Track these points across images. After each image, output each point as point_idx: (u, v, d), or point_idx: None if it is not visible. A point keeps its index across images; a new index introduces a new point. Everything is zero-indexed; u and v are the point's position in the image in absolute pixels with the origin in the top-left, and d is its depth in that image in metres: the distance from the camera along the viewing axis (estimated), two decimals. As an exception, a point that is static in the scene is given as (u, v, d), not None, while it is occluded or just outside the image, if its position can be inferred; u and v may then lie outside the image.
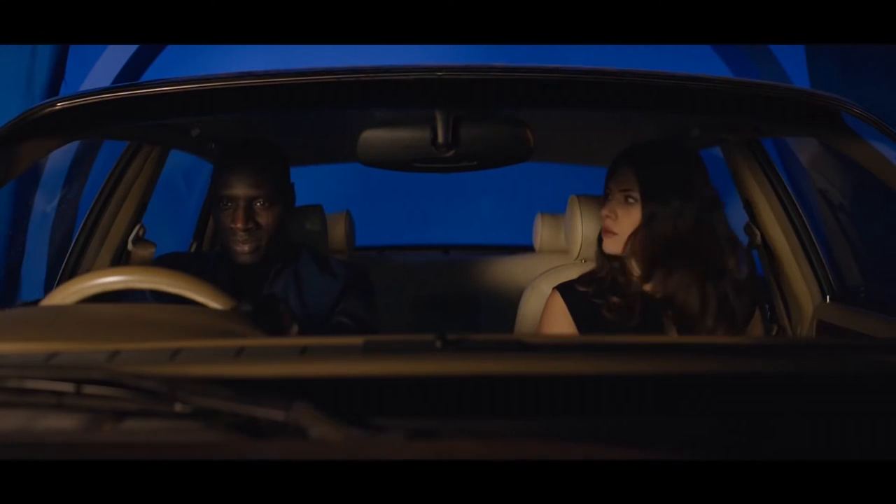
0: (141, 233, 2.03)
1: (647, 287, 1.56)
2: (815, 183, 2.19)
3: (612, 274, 1.57)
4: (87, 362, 0.76)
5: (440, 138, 1.26)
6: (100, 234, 1.95)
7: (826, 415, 0.68)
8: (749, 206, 1.98)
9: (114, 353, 0.77)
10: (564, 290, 1.59)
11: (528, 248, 2.47)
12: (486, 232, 3.56)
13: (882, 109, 1.38)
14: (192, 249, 2.51)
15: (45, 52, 2.73)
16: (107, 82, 3.39)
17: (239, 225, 1.53)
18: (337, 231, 2.44)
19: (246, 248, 1.55)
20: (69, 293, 1.07)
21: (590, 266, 1.68)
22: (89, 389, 0.66)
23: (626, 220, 1.53)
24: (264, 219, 1.56)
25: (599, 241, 1.62)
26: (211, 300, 1.06)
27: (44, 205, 2.42)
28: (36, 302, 1.14)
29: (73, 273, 1.89)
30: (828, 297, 1.83)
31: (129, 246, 2.00)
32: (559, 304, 1.58)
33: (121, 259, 1.99)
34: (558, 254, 2.20)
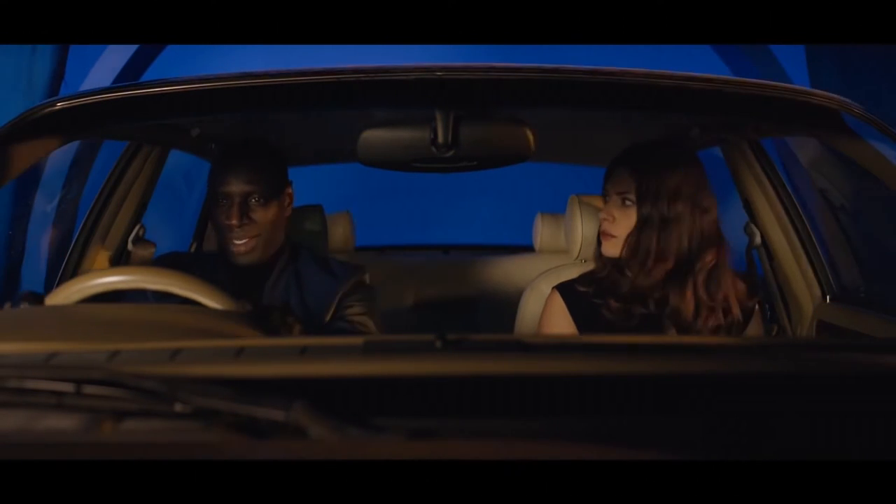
0: (141, 233, 2.03)
1: (646, 288, 1.56)
2: (815, 183, 2.19)
3: (611, 274, 1.57)
4: (87, 362, 0.76)
5: (440, 138, 1.26)
6: (100, 234, 1.95)
7: (826, 415, 0.68)
8: (749, 206, 1.98)
9: (114, 353, 0.77)
10: (564, 289, 1.60)
11: (528, 248, 2.47)
12: (486, 232, 3.56)
13: (882, 109, 1.38)
14: (192, 249, 2.51)
15: (45, 52, 2.73)
16: (107, 82, 3.39)
17: (234, 221, 1.53)
18: (337, 231, 2.44)
19: (241, 245, 1.55)
20: (69, 293, 1.07)
21: (590, 266, 1.68)
22: (89, 389, 0.66)
23: (624, 222, 1.53)
24: (259, 215, 1.56)
25: (599, 242, 1.62)
26: (211, 300, 1.06)
27: (44, 205, 2.42)
28: (39, 296, 1.14)
29: (73, 273, 1.89)
30: (828, 297, 1.83)
31: (129, 246, 2.00)
32: (559, 303, 1.58)
33: (121, 259, 1.99)
34: (558, 254, 2.20)
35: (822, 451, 0.63)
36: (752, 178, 1.94)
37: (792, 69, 3.48)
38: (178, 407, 0.65)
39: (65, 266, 1.92)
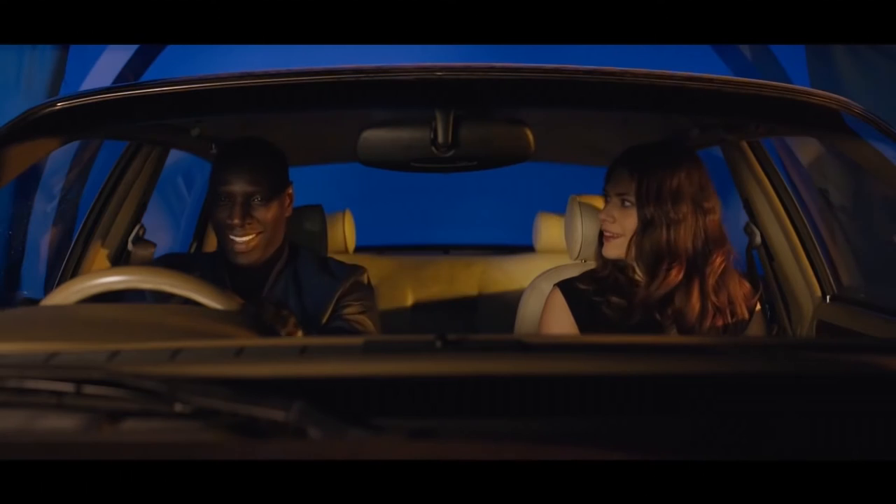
0: (141, 233, 2.03)
1: (647, 288, 1.56)
2: (815, 183, 2.19)
3: (612, 274, 1.57)
4: (87, 362, 0.76)
5: (440, 138, 1.26)
6: (100, 234, 1.95)
7: (826, 415, 0.68)
8: (749, 206, 1.98)
9: (114, 353, 0.77)
10: (565, 287, 1.60)
11: (528, 248, 2.47)
12: (486, 232, 3.55)
13: (882, 109, 1.38)
14: (192, 249, 2.51)
15: (45, 52, 2.73)
16: (107, 82, 3.39)
17: (236, 221, 1.53)
18: (337, 231, 2.44)
19: (242, 244, 1.55)
20: (69, 293, 1.07)
21: (590, 266, 1.68)
22: (89, 389, 0.66)
23: (624, 223, 1.53)
24: (261, 214, 1.56)
25: (600, 242, 1.62)
26: (211, 301, 1.06)
27: (44, 205, 2.42)
28: (36, 301, 1.14)
29: (73, 273, 1.89)
30: (828, 297, 1.83)
31: (129, 246, 2.00)
32: (560, 300, 1.58)
33: (121, 259, 1.99)
34: (558, 254, 2.20)
35: (822, 451, 0.63)
36: (752, 178, 1.94)
37: (792, 69, 3.48)
38: (178, 407, 0.65)
39: (65, 266, 1.92)
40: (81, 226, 1.98)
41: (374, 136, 1.33)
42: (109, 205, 1.96)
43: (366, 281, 1.72)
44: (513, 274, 2.51)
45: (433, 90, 1.24)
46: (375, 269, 1.97)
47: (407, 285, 2.61)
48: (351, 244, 2.54)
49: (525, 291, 1.87)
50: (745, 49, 3.66)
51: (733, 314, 1.52)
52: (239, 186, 1.54)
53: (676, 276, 1.48)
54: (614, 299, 1.53)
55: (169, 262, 1.73)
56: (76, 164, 2.29)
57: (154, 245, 2.04)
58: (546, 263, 2.00)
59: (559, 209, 2.11)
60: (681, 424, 0.67)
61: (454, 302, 2.60)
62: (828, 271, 1.86)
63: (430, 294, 2.62)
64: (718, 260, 1.50)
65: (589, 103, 1.46)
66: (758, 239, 1.97)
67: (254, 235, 1.56)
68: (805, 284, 1.88)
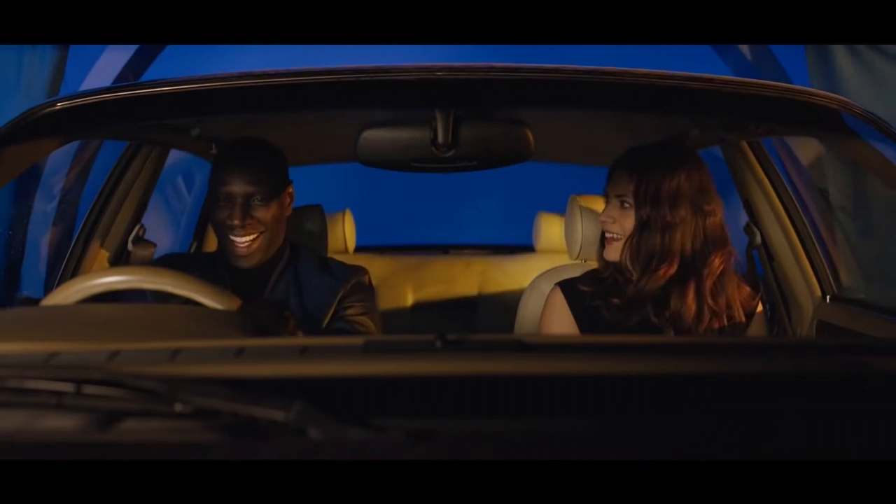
0: (141, 233, 2.03)
1: (648, 292, 1.56)
2: (815, 183, 2.19)
3: (613, 275, 1.57)
4: (87, 362, 0.76)
5: (440, 138, 1.26)
6: (100, 234, 1.95)
7: (826, 415, 0.68)
8: (749, 206, 1.98)
9: (114, 353, 0.77)
10: (566, 287, 1.60)
11: (528, 248, 2.47)
12: (486, 232, 3.55)
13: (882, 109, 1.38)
14: (192, 250, 2.51)
15: (45, 52, 2.72)
16: (107, 82, 3.38)
17: (236, 221, 1.53)
18: (337, 231, 2.44)
19: (243, 245, 1.55)
20: (69, 293, 1.07)
21: (590, 266, 1.68)
22: (89, 389, 0.66)
23: (624, 224, 1.53)
24: (261, 214, 1.56)
25: (602, 244, 1.62)
26: (211, 301, 1.06)
27: (44, 205, 2.42)
28: (36, 301, 1.14)
29: (73, 273, 1.89)
30: (828, 297, 1.83)
31: (129, 246, 2.00)
32: (560, 300, 1.58)
33: (121, 259, 1.99)
34: (558, 254, 2.20)
35: (822, 451, 0.63)
36: (752, 178, 1.94)
37: (792, 69, 3.48)
38: (178, 407, 0.65)
39: (65, 266, 1.92)
40: (81, 226, 1.98)
41: (374, 136, 1.33)
42: (109, 205, 1.96)
43: (367, 282, 1.72)
44: (513, 274, 2.51)
45: (433, 90, 1.24)
46: (375, 269, 1.97)
47: (407, 285, 2.61)
48: (351, 244, 2.54)
49: (525, 291, 1.87)
50: (745, 49, 3.66)
51: (730, 318, 1.52)
52: (239, 187, 1.54)
53: (666, 273, 1.48)
54: (614, 301, 1.53)
55: (169, 263, 1.73)
56: (76, 164, 2.29)
57: (154, 245, 2.04)
58: (546, 263, 2.01)
59: (559, 209, 2.11)
60: (681, 424, 0.67)
61: (454, 302, 2.60)
62: (828, 271, 1.86)
63: (430, 294, 2.61)
64: (717, 262, 1.50)
65: (589, 103, 1.46)
66: (758, 239, 1.97)
67: (254, 236, 1.56)
68: (805, 284, 1.88)
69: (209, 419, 0.64)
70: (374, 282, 1.75)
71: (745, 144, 1.92)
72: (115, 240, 1.98)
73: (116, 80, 3.51)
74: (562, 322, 1.58)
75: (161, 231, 2.27)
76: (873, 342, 1.35)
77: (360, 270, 1.72)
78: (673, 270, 1.48)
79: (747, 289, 1.59)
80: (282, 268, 1.65)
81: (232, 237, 1.55)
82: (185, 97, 1.25)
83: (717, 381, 0.73)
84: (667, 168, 1.52)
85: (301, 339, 0.80)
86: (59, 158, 2.25)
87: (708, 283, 1.50)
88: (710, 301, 1.50)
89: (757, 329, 1.60)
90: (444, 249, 3.05)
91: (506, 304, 2.39)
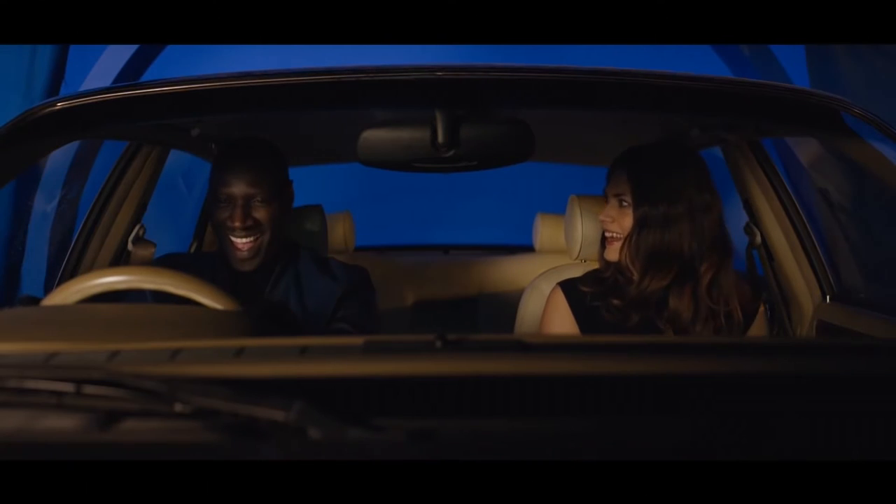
0: (141, 233, 2.03)
1: (647, 291, 1.56)
2: (815, 183, 2.19)
3: (614, 275, 1.57)
4: (87, 362, 0.76)
5: (440, 138, 1.26)
6: (100, 234, 1.95)
7: (826, 415, 0.68)
8: (749, 206, 1.98)
9: (114, 353, 0.77)
10: (567, 287, 1.60)
11: (528, 248, 2.47)
12: (486, 232, 3.55)
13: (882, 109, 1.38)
14: (192, 249, 2.51)
15: (45, 52, 2.73)
16: (107, 82, 3.39)
17: (237, 223, 1.53)
18: (337, 231, 2.44)
19: (244, 247, 1.55)
20: (70, 293, 1.07)
21: (590, 266, 1.68)
22: (89, 389, 0.66)
23: (623, 223, 1.53)
24: (262, 215, 1.56)
25: (602, 245, 1.62)
26: (212, 301, 1.06)
27: (44, 205, 2.42)
28: (36, 301, 1.14)
29: (73, 273, 1.89)
30: (828, 297, 1.83)
31: (129, 246, 2.00)
32: (561, 300, 1.58)
33: (121, 259, 1.99)
34: (558, 254, 2.20)
35: (822, 451, 0.63)
36: (752, 178, 1.94)
37: (792, 69, 3.48)
38: (178, 407, 0.65)
39: (65, 266, 1.92)
40: (81, 226, 1.98)
41: (374, 136, 1.32)
42: (109, 205, 1.96)
43: (367, 282, 1.72)
44: (513, 274, 2.51)
45: (433, 90, 1.24)
46: (375, 269, 1.97)
47: (407, 285, 2.61)
48: (351, 244, 2.54)
49: (525, 291, 1.87)
50: (745, 49, 3.66)
51: (730, 317, 1.52)
52: (239, 188, 1.54)
53: (667, 274, 1.48)
54: (614, 302, 1.53)
55: (169, 262, 1.73)
56: (76, 164, 2.29)
57: (154, 245, 2.04)
58: (546, 263, 2.00)
59: (559, 209, 2.11)
60: (681, 424, 0.67)
61: (454, 302, 2.60)
62: (828, 271, 1.86)
63: (430, 294, 2.61)
64: (712, 259, 1.50)
65: (589, 103, 1.46)
66: (758, 239, 1.97)
67: (255, 237, 1.56)
68: (805, 284, 1.88)
69: (209, 419, 0.64)
70: (374, 282, 1.75)
71: (745, 144, 1.92)
72: (115, 240, 1.98)
73: (116, 80, 3.52)
74: (562, 322, 1.58)
75: (161, 231, 2.26)
76: (873, 342, 1.35)
77: (361, 270, 1.72)
78: (673, 270, 1.48)
79: (748, 288, 1.59)
80: (282, 268, 1.65)
81: (232, 238, 1.55)
82: (185, 97, 1.25)
83: (717, 381, 0.73)
84: (664, 167, 1.53)
85: (301, 339, 0.80)
86: (59, 158, 2.25)
87: (706, 282, 1.50)
88: (707, 300, 1.50)
89: (758, 329, 1.60)
90: (445, 249, 3.05)
91: (506, 304, 2.39)
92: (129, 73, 3.57)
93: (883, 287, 1.92)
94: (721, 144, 1.99)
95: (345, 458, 0.60)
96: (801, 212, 1.91)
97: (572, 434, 0.65)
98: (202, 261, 1.74)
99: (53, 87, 2.75)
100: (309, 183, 2.08)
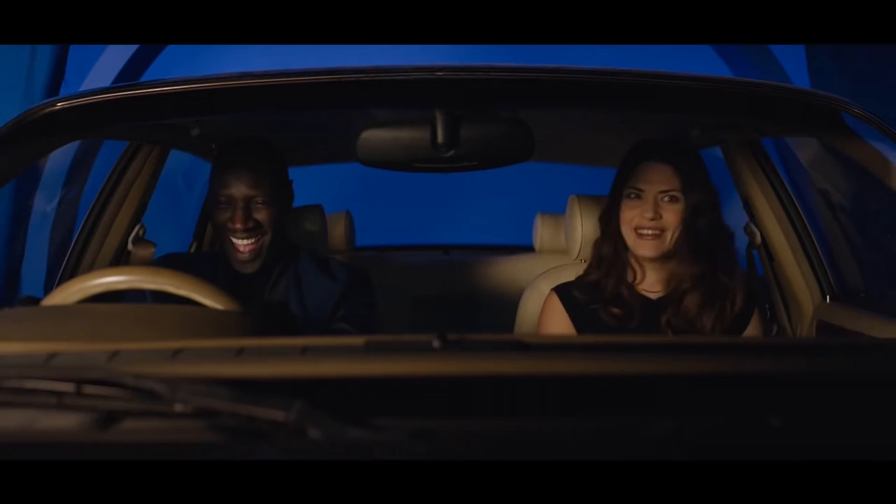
0: (141, 233, 2.03)
1: (647, 288, 1.57)
2: (815, 183, 2.19)
3: (609, 277, 1.57)
4: (87, 362, 0.76)
5: (440, 138, 1.26)
6: (100, 234, 1.95)
7: (826, 415, 0.68)
8: (749, 206, 1.98)
9: (114, 353, 0.77)
10: (561, 291, 1.59)
11: (528, 248, 2.47)
12: (486, 232, 3.55)
13: (882, 109, 1.38)
14: (192, 249, 2.51)
15: (45, 52, 2.73)
16: (107, 82, 3.39)
17: (238, 225, 1.53)
18: (337, 231, 2.44)
19: (246, 250, 1.55)
20: (69, 293, 1.07)
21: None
22: (89, 389, 0.66)
23: (669, 219, 1.51)
24: (262, 216, 1.56)
25: (599, 242, 1.61)
26: (212, 301, 1.06)
27: (44, 205, 2.42)
28: (36, 301, 1.14)
29: (73, 273, 1.89)
30: (828, 297, 1.83)
31: (129, 246, 2.00)
32: (557, 305, 1.58)
33: (121, 259, 1.99)
34: (558, 254, 2.20)
35: (823, 450, 0.63)
36: (752, 178, 1.94)
37: (792, 69, 3.48)
38: (178, 407, 0.65)
39: (65, 266, 1.92)
40: (81, 226, 1.98)
41: (374, 136, 1.32)
42: (109, 205, 1.96)
43: (367, 282, 1.71)
44: (513, 274, 2.51)
45: (433, 90, 1.24)
46: (375, 268, 1.97)
47: (407, 285, 2.61)
48: (351, 244, 2.54)
49: (525, 291, 1.87)
50: (745, 49, 3.67)
51: (731, 317, 1.53)
52: (239, 190, 1.54)
53: (700, 264, 1.52)
54: (613, 306, 1.53)
55: (169, 262, 1.73)
56: (76, 164, 2.29)
57: (154, 245, 2.04)
58: (546, 263, 2.00)
59: (559, 209, 2.11)
60: (681, 424, 0.67)
61: (454, 302, 2.60)
62: (828, 271, 1.86)
63: (430, 294, 2.61)
64: (717, 255, 1.53)
65: (589, 103, 1.46)
66: (758, 239, 1.97)
67: (256, 238, 1.56)
68: (805, 284, 1.88)
69: (209, 419, 0.64)
70: (374, 282, 1.75)
71: (745, 144, 1.92)
72: (115, 240, 1.98)
73: (116, 80, 3.52)
74: (560, 327, 1.58)
75: (161, 231, 2.26)
76: (873, 342, 1.35)
77: (361, 270, 1.72)
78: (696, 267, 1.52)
79: (749, 289, 1.60)
80: (282, 268, 1.64)
81: (233, 240, 1.55)
82: (185, 97, 1.25)
83: (717, 381, 0.73)
84: (694, 157, 1.57)
85: (301, 339, 0.80)
86: (59, 158, 2.25)
87: (712, 279, 1.52)
88: (711, 296, 1.51)
89: (755, 328, 1.60)
90: (445, 249, 3.05)
91: (506, 304, 2.39)
92: (129, 73, 3.57)
93: (883, 287, 1.92)
94: (721, 144, 1.99)
95: (345, 458, 0.60)
96: (801, 212, 1.91)
97: (572, 434, 0.65)
98: (202, 261, 1.74)
99: (53, 87, 2.75)
100: (309, 183, 2.08)
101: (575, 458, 0.59)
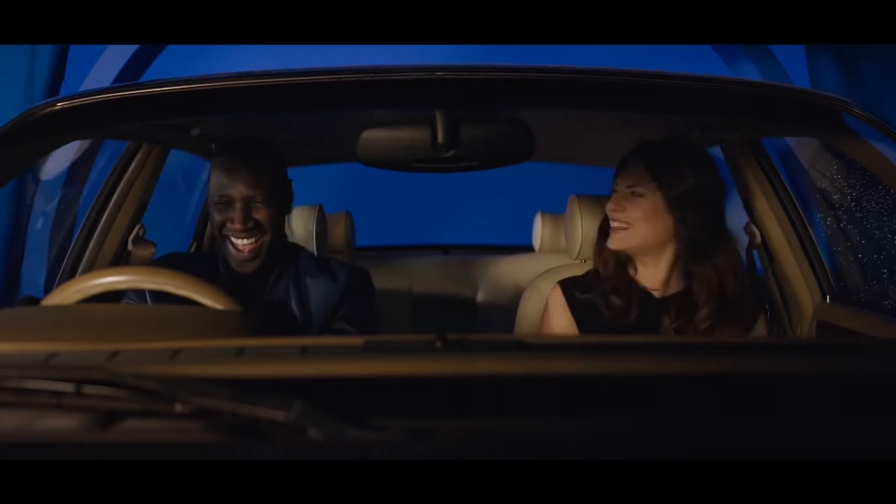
0: (141, 233, 2.03)
1: (648, 286, 1.57)
2: (815, 183, 2.19)
3: (611, 272, 1.57)
4: (87, 362, 0.76)
5: (440, 138, 1.26)
6: (100, 234, 1.95)
7: (826, 415, 0.68)
8: (749, 207, 1.98)
9: (114, 353, 0.77)
10: (566, 285, 1.60)
11: (528, 248, 2.47)
12: (486, 232, 3.55)
13: (882, 109, 1.38)
14: (192, 249, 2.51)
15: (45, 52, 2.73)
16: (107, 82, 3.39)
17: (238, 225, 1.53)
18: (337, 231, 2.44)
19: (245, 250, 1.55)
20: (69, 293, 1.07)
21: (590, 266, 1.68)
22: (89, 389, 0.66)
23: (633, 213, 1.53)
24: (262, 217, 1.55)
25: (603, 238, 1.62)
26: (212, 301, 1.06)
27: (44, 205, 2.42)
28: (36, 301, 1.14)
29: (73, 273, 1.89)
30: (828, 297, 1.83)
31: (129, 246, 2.00)
32: (560, 299, 1.59)
33: (121, 259, 1.99)
34: (558, 254, 2.20)
35: (823, 451, 0.63)
36: (753, 178, 1.94)
37: (792, 69, 3.48)
38: (178, 407, 0.65)
39: (65, 266, 1.92)
40: (81, 226, 1.98)
41: (374, 136, 1.32)
42: (109, 205, 1.96)
43: (367, 282, 1.71)
44: (513, 274, 2.51)
45: (433, 90, 1.23)
46: (375, 268, 1.97)
47: (407, 285, 2.61)
48: (351, 244, 2.54)
49: (525, 291, 1.87)
50: (745, 49, 3.66)
51: (733, 317, 1.53)
52: (239, 190, 1.54)
53: (681, 266, 1.51)
54: (614, 300, 1.54)
55: (169, 262, 1.72)
56: (76, 164, 2.30)
57: (154, 245, 2.04)
58: (546, 263, 2.01)
59: (559, 209, 2.11)
60: (681, 424, 0.67)
61: (454, 302, 2.60)
62: (828, 271, 1.86)
63: (430, 294, 2.61)
64: (717, 256, 1.53)
65: (589, 103, 1.46)
66: (758, 239, 1.97)
67: (256, 238, 1.56)
68: (805, 284, 1.88)
69: (209, 419, 0.64)
70: (374, 282, 1.75)
71: (745, 144, 1.92)
72: (115, 240, 1.98)
73: (116, 80, 3.52)
74: (559, 321, 1.59)
75: (161, 231, 2.26)
76: (873, 342, 1.35)
77: (361, 270, 1.72)
78: (683, 260, 1.51)
79: (751, 289, 1.60)
80: (282, 268, 1.64)
81: (233, 240, 1.55)
82: (185, 97, 1.25)
83: (717, 381, 0.73)
84: (679, 156, 1.56)
85: (301, 339, 0.80)
86: (59, 158, 2.25)
87: (709, 269, 1.52)
88: (712, 298, 1.51)
89: (758, 329, 1.60)
90: (445, 249, 3.05)
91: (506, 304, 2.39)
92: (129, 73, 3.57)
93: (883, 287, 1.92)
94: (721, 144, 1.99)
95: (345, 458, 0.60)
96: (801, 212, 1.91)
97: (572, 434, 0.65)
98: (202, 261, 1.73)
99: (53, 87, 2.75)
100: (309, 183, 2.08)
101: (575, 458, 0.59)
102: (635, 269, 1.59)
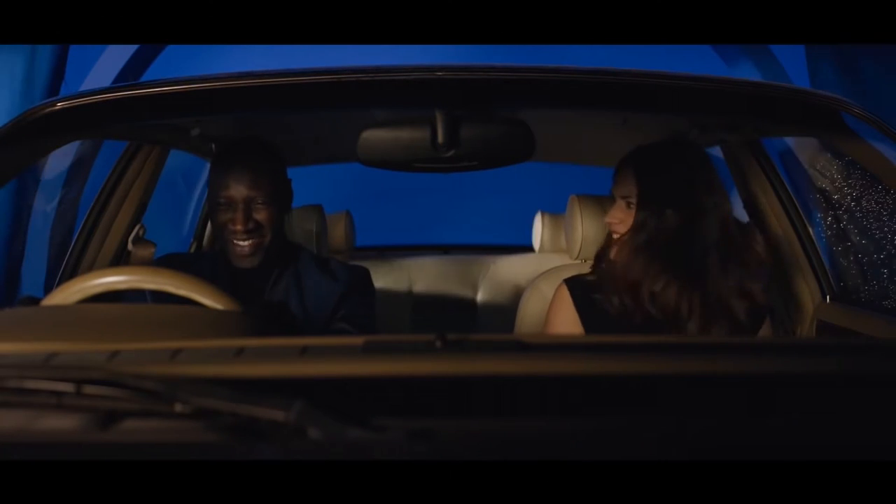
0: (141, 233, 2.03)
1: (652, 290, 1.56)
2: (815, 183, 2.19)
3: (618, 273, 1.57)
4: (87, 362, 0.76)
5: (440, 138, 1.26)
6: (100, 234, 1.95)
7: (826, 415, 0.68)
8: (749, 206, 1.98)
9: (114, 353, 0.77)
10: (572, 284, 1.60)
11: (528, 248, 2.47)
12: (486, 232, 3.56)
13: (882, 109, 1.38)
14: (192, 249, 2.51)
15: (45, 52, 2.73)
16: (107, 82, 3.39)
17: (238, 226, 1.53)
18: (337, 231, 2.44)
19: (246, 249, 1.55)
20: (69, 293, 1.07)
21: (590, 266, 1.68)
22: (89, 389, 0.66)
23: (630, 224, 1.53)
24: (263, 217, 1.56)
25: (607, 244, 1.62)
26: (212, 301, 1.06)
27: (44, 205, 2.42)
28: (36, 301, 1.14)
29: (73, 273, 1.89)
30: (828, 297, 1.83)
31: (129, 246, 2.00)
32: (566, 297, 1.59)
33: (121, 259, 1.99)
34: (558, 254, 2.20)
35: (823, 450, 0.63)
36: (753, 178, 1.94)
37: (792, 69, 3.48)
38: (178, 407, 0.65)
39: (65, 266, 1.92)
40: (81, 226, 1.98)
41: (374, 136, 1.32)
42: (109, 205, 1.96)
43: (367, 282, 1.71)
44: (513, 274, 2.51)
45: (433, 90, 1.24)
46: (375, 268, 1.97)
47: (407, 285, 2.61)
48: (351, 244, 2.54)
49: (525, 291, 1.87)
50: (745, 49, 3.67)
51: (731, 319, 1.51)
52: (239, 191, 1.54)
53: (667, 274, 1.48)
54: (617, 300, 1.53)
55: (169, 262, 1.73)
56: (76, 164, 2.30)
57: (154, 245, 2.04)
58: (546, 263, 2.01)
59: (559, 209, 2.11)
60: (681, 424, 0.67)
61: (454, 302, 2.60)
62: (828, 271, 1.86)
63: (430, 294, 2.62)
64: (717, 261, 1.50)
65: (589, 103, 1.46)
66: (758, 239, 1.97)
67: (257, 239, 1.56)
68: (805, 284, 1.88)
69: (209, 419, 0.64)
70: (374, 282, 1.75)
71: (745, 144, 1.92)
72: (115, 240, 1.98)
73: (116, 80, 3.52)
74: (565, 319, 1.58)
75: (161, 231, 2.26)
76: (873, 342, 1.35)
77: (361, 270, 1.72)
78: (679, 270, 1.48)
79: (757, 287, 1.58)
80: (282, 268, 1.64)
81: (234, 240, 1.55)
82: (185, 97, 1.25)
83: (717, 381, 0.73)
84: (671, 166, 1.52)
85: (301, 339, 0.80)
86: (59, 158, 2.25)
87: (708, 282, 1.49)
88: (714, 299, 1.50)
89: (764, 331, 1.59)
90: (445, 249, 3.05)
91: (506, 304, 2.39)
92: (129, 73, 3.57)
93: (883, 287, 1.92)
94: (721, 144, 1.99)
95: (345, 458, 0.60)
96: (801, 212, 1.91)
97: (572, 434, 0.65)
98: (202, 261, 1.74)
99: (53, 87, 2.75)
100: (309, 183, 2.08)
101: (575, 458, 0.59)
102: (637, 271, 1.58)
